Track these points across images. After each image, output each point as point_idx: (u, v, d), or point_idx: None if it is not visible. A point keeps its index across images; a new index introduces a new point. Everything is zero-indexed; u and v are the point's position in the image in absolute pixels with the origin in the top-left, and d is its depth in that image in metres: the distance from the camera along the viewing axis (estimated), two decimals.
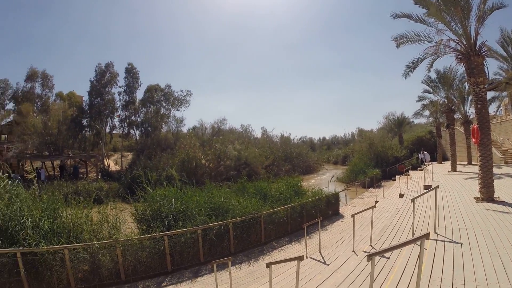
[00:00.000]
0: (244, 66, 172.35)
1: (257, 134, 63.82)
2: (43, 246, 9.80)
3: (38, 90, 48.19)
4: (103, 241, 10.73)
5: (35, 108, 45.28)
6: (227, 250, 12.76)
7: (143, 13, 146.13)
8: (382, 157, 39.69)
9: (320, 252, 11.56)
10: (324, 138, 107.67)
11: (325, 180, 35.44)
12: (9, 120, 45.77)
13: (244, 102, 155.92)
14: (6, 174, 12.72)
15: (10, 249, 9.58)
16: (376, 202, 19.36)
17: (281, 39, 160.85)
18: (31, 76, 47.35)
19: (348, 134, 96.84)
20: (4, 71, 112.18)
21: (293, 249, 13.43)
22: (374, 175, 30.94)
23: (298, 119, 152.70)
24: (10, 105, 47.87)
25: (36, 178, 17.89)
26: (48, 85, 48.49)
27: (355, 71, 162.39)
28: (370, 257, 4.65)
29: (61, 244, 10.10)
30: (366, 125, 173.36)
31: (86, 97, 43.31)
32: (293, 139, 63.53)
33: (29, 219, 10.40)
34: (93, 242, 10.47)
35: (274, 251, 13.35)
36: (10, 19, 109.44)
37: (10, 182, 12.21)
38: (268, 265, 6.79)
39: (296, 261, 6.46)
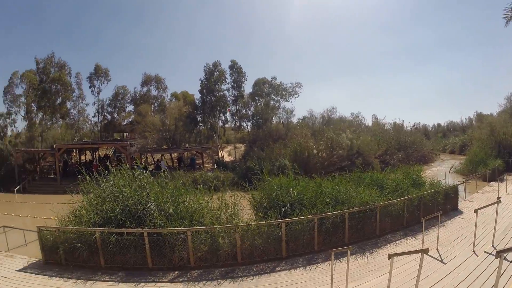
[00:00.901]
0: (340, 52, 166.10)
1: (368, 121, 61.10)
2: (168, 227, 11.02)
3: (153, 92, 53.77)
4: (224, 226, 11.49)
5: (152, 108, 49.62)
6: (341, 241, 12.52)
7: (242, 12, 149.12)
8: (505, 146, 34.92)
9: (437, 249, 11.00)
10: (439, 125, 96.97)
11: (441, 172, 32.77)
12: (129, 120, 51.51)
13: (344, 90, 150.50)
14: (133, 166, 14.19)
15: (138, 229, 11.06)
16: (499, 198, 17.50)
17: (375, 20, 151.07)
18: (146, 81, 52.99)
19: (465, 119, 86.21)
20: (123, 79, 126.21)
21: (407, 245, 12.76)
22: (496, 167, 28.19)
23: (402, 104, 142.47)
24: (130, 107, 53.84)
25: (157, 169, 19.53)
26: (162, 87, 53.84)
27: (459, 50, 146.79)
28: (500, 253, 4.31)
29: (184, 227, 11.17)
30: (485, 108, 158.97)
31: (197, 95, 46.28)
32: (406, 127, 59.47)
33: (155, 204, 11.84)
34: (215, 226, 11.29)
35: (388, 245, 12.81)
36: (128, 35, 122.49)
37: (139, 172, 13.78)
38: (390, 256, 6.65)
39: (420, 254, 6.22)
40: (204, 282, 9.99)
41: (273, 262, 11.31)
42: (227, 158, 42.92)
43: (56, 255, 12.05)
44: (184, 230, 10.91)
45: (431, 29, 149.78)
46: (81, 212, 12.90)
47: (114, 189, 12.83)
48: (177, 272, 10.83)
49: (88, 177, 13.94)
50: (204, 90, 43.04)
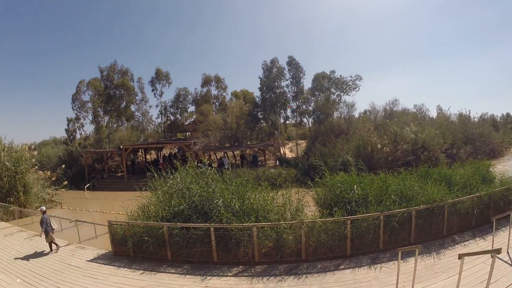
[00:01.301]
0: (396, 41, 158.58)
1: (432, 113, 56.82)
2: (234, 223, 11.13)
3: (213, 92, 54.75)
4: (290, 222, 11.41)
5: (213, 107, 50.87)
6: (406, 240, 12.05)
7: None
8: None
9: (507, 252, 10.31)
10: (508, 115, 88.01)
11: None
12: (192, 120, 52.94)
13: (404, 80, 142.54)
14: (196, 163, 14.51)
15: (206, 224, 11.37)
16: None
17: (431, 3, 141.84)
18: (206, 81, 54.01)
19: None
20: (184, 81, 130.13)
21: (477, 246, 11.88)
22: None
23: (464, 93, 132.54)
24: (191, 108, 55.33)
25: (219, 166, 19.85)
26: (222, 87, 54.62)
27: None
28: None
29: (249, 223, 11.18)
30: None
31: (257, 93, 46.11)
32: (473, 118, 54.15)
33: (221, 200, 12.00)
34: (280, 222, 11.26)
35: (456, 245, 12.00)
36: (185, 39, 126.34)
37: (204, 169, 14.10)
38: (460, 256, 6.35)
39: (491, 255, 5.83)
40: (267, 277, 10.02)
41: (337, 259, 11.12)
42: (289, 155, 42.81)
43: (125, 247, 12.68)
44: (250, 226, 11.01)
45: (494, 8, 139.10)
46: (150, 208, 13.50)
47: (181, 186, 13.24)
48: (241, 267, 10.97)
49: (156, 175, 14.50)
50: (264, 88, 42.81)
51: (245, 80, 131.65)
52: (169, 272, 10.96)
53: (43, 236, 14.20)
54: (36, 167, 28.57)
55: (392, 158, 31.45)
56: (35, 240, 16.49)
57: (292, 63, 42.77)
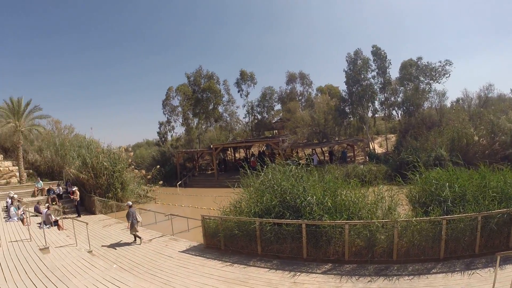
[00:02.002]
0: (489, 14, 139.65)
1: None
2: (325, 220, 10.96)
3: (298, 88, 54.54)
4: (383, 220, 11.00)
5: (299, 104, 50.88)
6: (504, 245, 10.78)
7: None
8: None
9: None
10: None
11: None
12: (279, 118, 53.34)
13: (496, 60, 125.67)
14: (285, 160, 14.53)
15: (298, 220, 11.29)
16: None
17: None
18: (290, 79, 54.06)
19: None
20: (268, 80, 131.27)
21: None
22: None
23: None
24: (277, 106, 55.78)
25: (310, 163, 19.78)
26: (307, 83, 54.17)
27: None
28: None
29: (342, 220, 10.97)
30: None
31: (343, 87, 44.60)
32: None
33: (314, 197, 11.84)
34: (373, 220, 10.88)
35: None
36: (263, 38, 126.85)
37: (293, 167, 14.12)
38: None
39: None
40: (357, 277, 9.73)
41: (429, 262, 10.44)
42: (378, 150, 41.17)
43: (216, 240, 13.19)
44: (343, 223, 10.75)
45: None
46: (241, 204, 13.79)
47: (272, 183, 13.30)
48: (330, 264, 10.81)
49: (249, 172, 14.76)
50: (350, 81, 41.19)
51: (329, 74, 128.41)
52: (258, 266, 11.13)
53: (130, 228, 15.48)
54: (132, 166, 30.73)
55: (489, 151, 28.70)
56: None
57: (377, 53, 40.73)
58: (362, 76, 40.23)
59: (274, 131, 55.30)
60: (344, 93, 43.19)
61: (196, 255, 12.75)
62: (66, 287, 7.90)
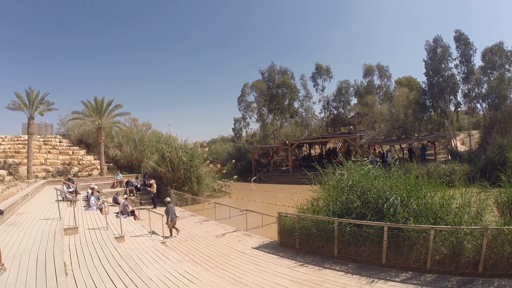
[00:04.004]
0: None
1: None
2: (410, 223, 10.01)
3: (376, 82, 52.83)
4: (473, 227, 9.70)
5: (377, 98, 48.82)
6: None
7: None
8: None
9: None
10: None
11: None
12: (355, 112, 51.54)
13: None
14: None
15: (380, 223, 10.44)
16: None
17: None
18: (367, 71, 52.62)
19: None
20: (343, 73, 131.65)
21: None
22: None
23: None
24: (354, 101, 54.40)
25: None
26: (386, 75, 52.08)
27: None
28: None
29: (427, 224, 10.02)
30: None
31: (422, 79, 41.69)
32: None
33: (399, 198, 10.91)
34: (462, 226, 9.64)
35: None
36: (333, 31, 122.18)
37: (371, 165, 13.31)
38: None
39: None
40: None
41: None
42: (460, 148, 38.04)
43: (291, 239, 12.74)
44: (428, 228, 9.74)
45: None
46: (319, 202, 13.25)
47: (351, 181, 12.56)
48: (410, 272, 9.87)
49: (330, 168, 14.11)
50: (430, 71, 38.34)
51: (408, 66, 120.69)
52: (333, 269, 10.52)
53: (169, 222, 15.85)
54: (208, 161, 31.39)
55: None
56: (205, 224, 17.87)
57: (460, 39, 37.19)
58: (443, 66, 37.35)
59: (350, 126, 53.89)
60: (424, 85, 40.49)
61: (270, 253, 12.45)
62: (137, 277, 7.87)
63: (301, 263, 11.17)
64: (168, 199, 17.89)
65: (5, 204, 13.34)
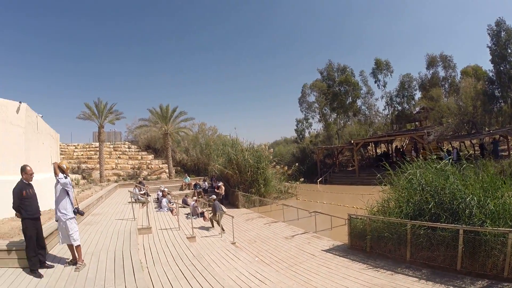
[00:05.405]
0: None
1: None
2: (487, 226, 9.37)
3: (441, 73, 50.04)
4: None
5: (443, 90, 46.57)
6: None
7: None
8: None
9: None
10: None
11: None
12: (420, 108, 49.30)
13: None
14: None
15: (454, 225, 9.82)
16: None
17: None
18: (431, 62, 49.84)
19: None
20: (404, 66, 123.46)
21: None
22: None
23: None
24: (418, 95, 52.21)
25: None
26: (450, 66, 49.15)
27: None
28: None
29: (505, 227, 9.30)
30: None
31: (488, 66, 39.65)
32: None
33: (475, 198, 10.21)
34: None
35: None
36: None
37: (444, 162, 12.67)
38: None
39: None
40: None
41: None
42: None
43: (362, 241, 12.45)
44: (506, 232, 8.95)
45: None
46: (390, 204, 12.89)
47: (423, 181, 11.95)
48: (486, 281, 9.17)
49: (402, 167, 13.62)
50: (496, 58, 35.90)
51: (472, 53, 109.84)
52: (406, 274, 10.12)
53: (215, 217, 16.47)
54: (274, 163, 31.61)
55: None
56: (273, 226, 17.99)
57: None
58: (509, 51, 34.84)
59: (416, 123, 51.89)
60: (491, 74, 38.15)
61: (340, 256, 12.27)
62: (210, 276, 8.09)
63: (372, 267, 10.88)
64: (214, 196, 18.84)
65: (81, 205, 14.14)
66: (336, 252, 12.65)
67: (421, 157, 14.21)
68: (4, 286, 6.72)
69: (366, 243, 12.20)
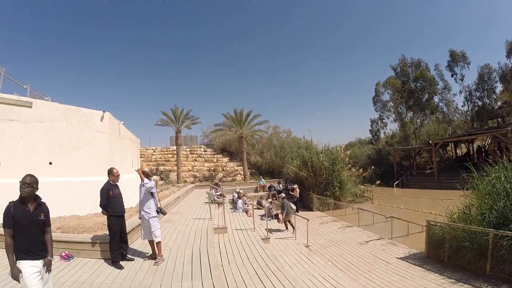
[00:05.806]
0: None
1: None
2: None
3: None
4: None
5: None
6: None
7: None
8: None
9: None
10: None
11: None
12: (503, 102, 45.84)
13: None
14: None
15: None
16: None
17: None
18: (511, 50, 44.62)
19: None
20: (481, 58, 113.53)
21: None
22: None
23: None
24: (499, 87, 47.74)
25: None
26: None
27: None
28: None
29: None
30: None
31: None
32: None
33: None
34: None
35: None
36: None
37: None
38: None
39: None
40: None
41: None
42: None
43: (440, 251, 11.82)
44: None
45: None
46: (471, 210, 12.01)
47: (507, 185, 10.98)
48: None
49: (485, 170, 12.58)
50: None
51: None
52: None
53: (285, 216, 16.86)
54: (349, 165, 31.06)
55: None
56: (348, 230, 17.83)
57: None
58: None
59: (498, 119, 47.60)
60: None
61: (415, 264, 11.79)
62: (284, 277, 8.22)
63: (448, 279, 10.23)
64: (283, 194, 18.87)
65: (161, 204, 15.01)
66: (412, 261, 12.20)
67: (504, 158, 13.05)
68: (88, 274, 7.42)
69: (444, 253, 11.52)
